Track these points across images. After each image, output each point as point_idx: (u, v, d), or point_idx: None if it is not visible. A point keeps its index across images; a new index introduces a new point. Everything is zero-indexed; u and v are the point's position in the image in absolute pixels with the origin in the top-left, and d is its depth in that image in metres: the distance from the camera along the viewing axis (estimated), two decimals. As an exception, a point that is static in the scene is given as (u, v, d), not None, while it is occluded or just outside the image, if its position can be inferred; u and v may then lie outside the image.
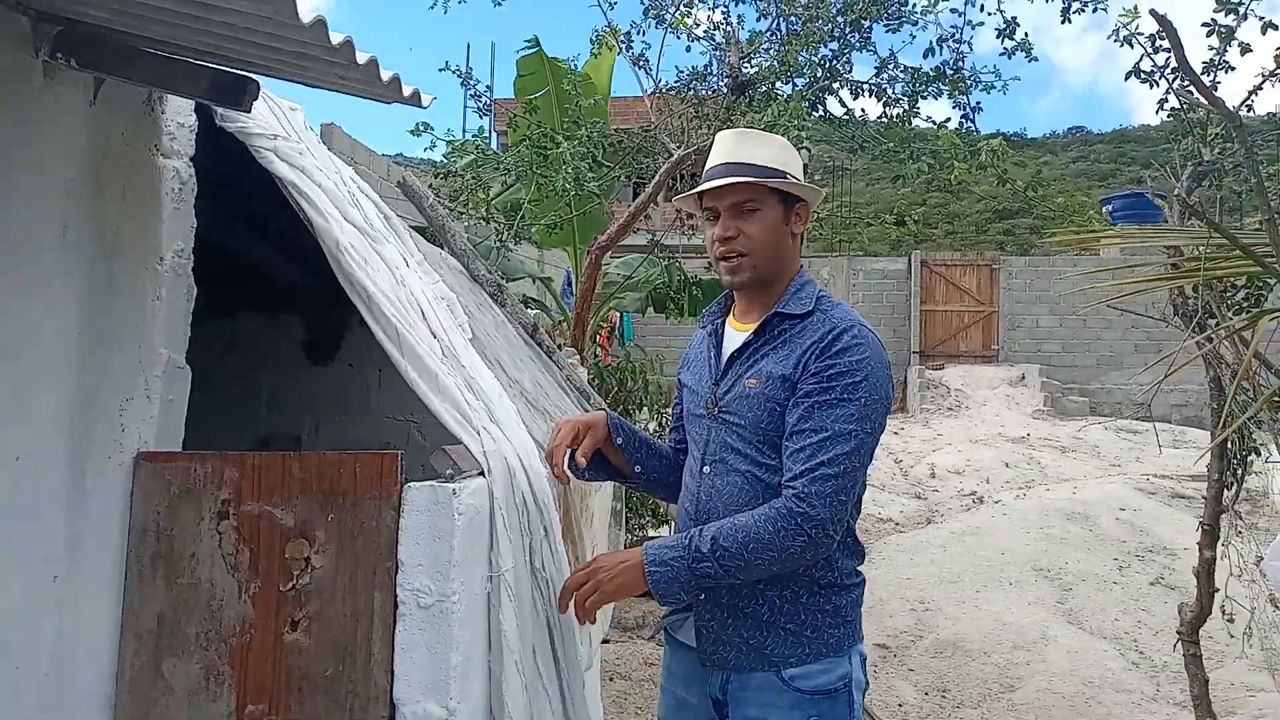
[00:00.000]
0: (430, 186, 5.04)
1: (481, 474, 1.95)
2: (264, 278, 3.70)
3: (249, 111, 1.87)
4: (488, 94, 6.42)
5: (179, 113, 2.05)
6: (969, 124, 5.03)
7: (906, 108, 5.21)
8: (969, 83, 5.06)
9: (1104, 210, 16.38)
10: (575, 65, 6.19)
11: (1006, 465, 11.36)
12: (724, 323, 2.10)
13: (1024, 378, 16.64)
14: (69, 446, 1.89)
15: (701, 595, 1.90)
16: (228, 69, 1.81)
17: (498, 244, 5.60)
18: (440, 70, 5.99)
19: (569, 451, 2.02)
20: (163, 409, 1.96)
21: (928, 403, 16.17)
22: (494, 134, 12.26)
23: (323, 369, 3.94)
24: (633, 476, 2.18)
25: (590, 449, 2.03)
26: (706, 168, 2.03)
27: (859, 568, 1.96)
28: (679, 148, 5.26)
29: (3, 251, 1.76)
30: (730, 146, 2.00)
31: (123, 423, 1.93)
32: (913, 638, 6.06)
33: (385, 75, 1.66)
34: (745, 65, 5.50)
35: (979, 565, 7.19)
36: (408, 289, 2.26)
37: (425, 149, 6.24)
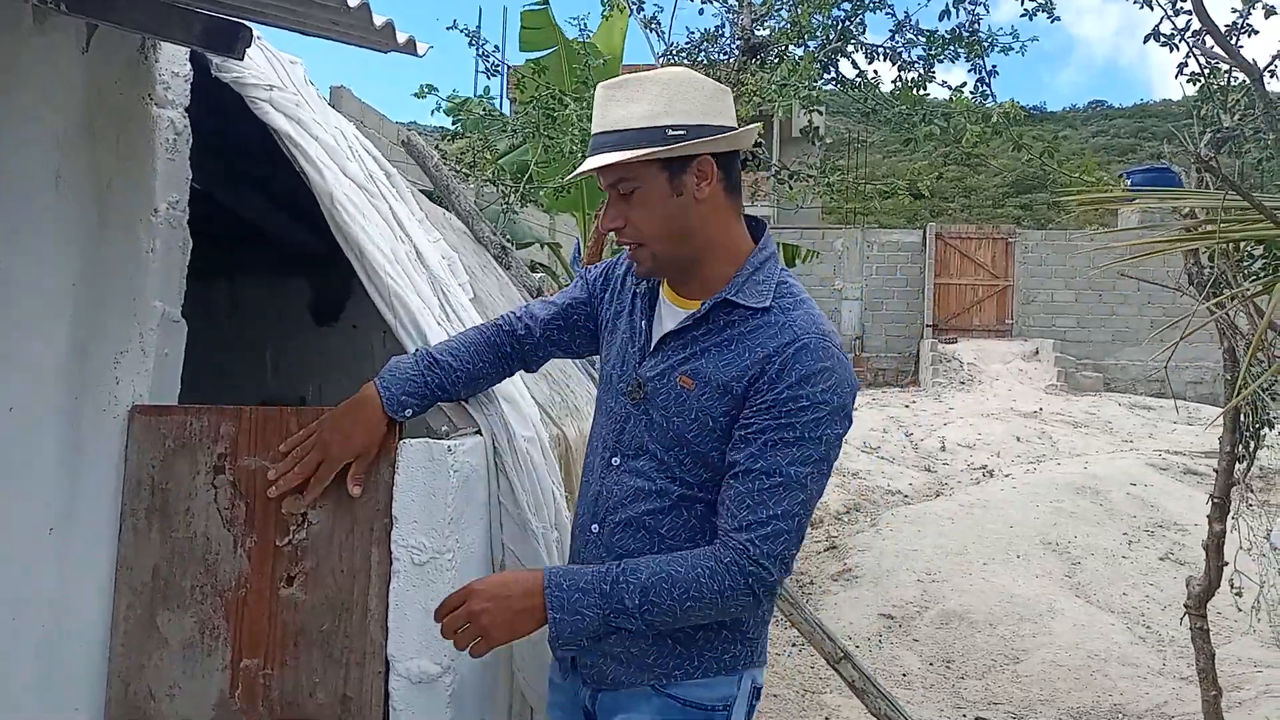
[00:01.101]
0: (437, 149, 5.00)
1: (478, 432, 1.92)
2: (269, 240, 3.67)
3: (242, 59, 1.84)
4: (496, 53, 6.36)
5: (173, 62, 2.02)
6: (985, 88, 4.93)
7: (922, 72, 5.12)
8: (986, 45, 4.96)
9: (1124, 183, 16.23)
10: (585, 25, 6.12)
11: (1018, 439, 11.32)
12: (659, 286, 1.74)
13: (1038, 352, 16.55)
14: (63, 399, 1.87)
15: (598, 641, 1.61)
16: (221, 15, 1.77)
17: (504, 206, 5.56)
18: (448, 29, 5.93)
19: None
20: (158, 363, 1.95)
21: (940, 376, 16.10)
22: (505, 99, 12.17)
23: (327, 331, 3.92)
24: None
25: (362, 471, 1.74)
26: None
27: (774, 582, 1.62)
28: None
29: (-4, 200, 1.74)
30: (598, 113, 1.61)
31: (117, 375, 1.91)
32: (918, 608, 6.06)
33: (378, 20, 1.62)
34: (757, 27, 5.42)
35: (987, 538, 7.17)
36: (410, 244, 2.23)
37: (431, 111, 6.19)
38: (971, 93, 4.98)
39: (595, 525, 1.70)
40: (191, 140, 2.07)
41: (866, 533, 7.64)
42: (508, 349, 1.90)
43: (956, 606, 5.99)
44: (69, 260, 1.88)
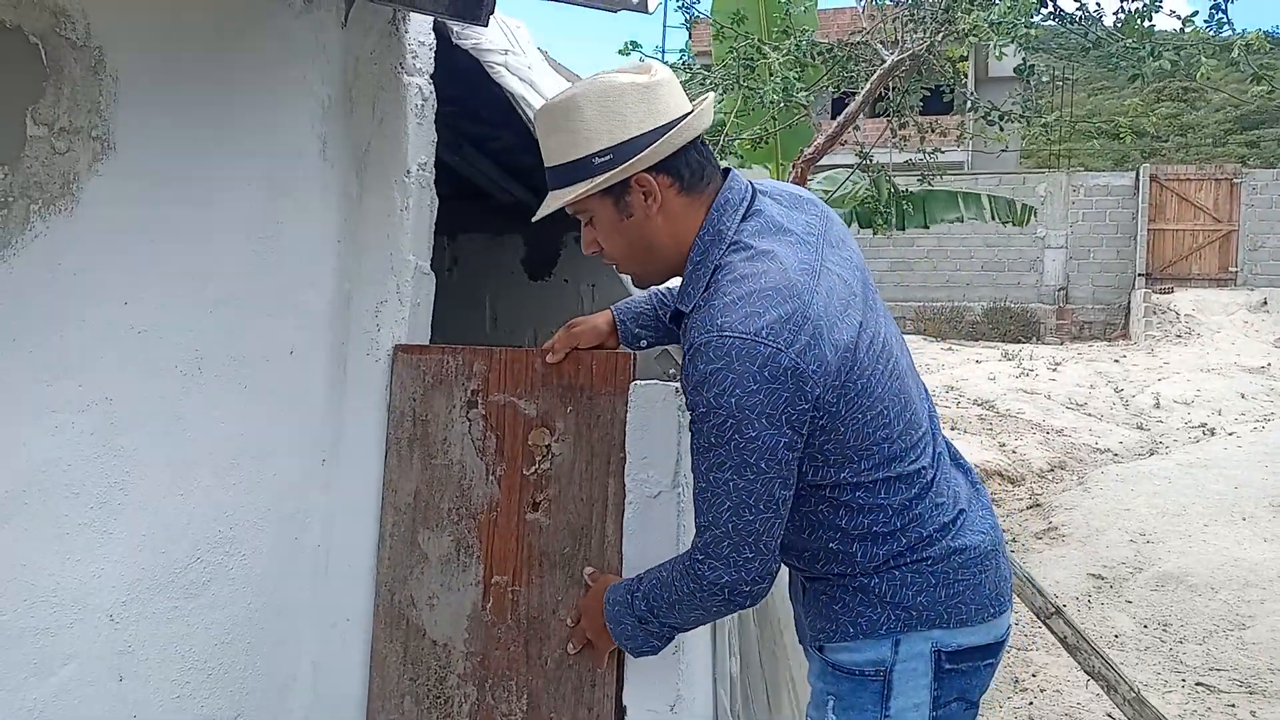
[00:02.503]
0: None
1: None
2: (487, 197, 3.89)
3: (486, 25, 1.97)
4: (693, 5, 6.38)
5: (420, 32, 2.18)
6: (1221, 14, 4.54)
7: (1148, 1, 4.77)
8: (1223, -33, 4.57)
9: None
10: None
11: (1242, 396, 10.51)
12: None
13: (1265, 303, 15.21)
14: (332, 343, 2.09)
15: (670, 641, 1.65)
16: (466, -16, 1.90)
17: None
18: (645, -14, 5.99)
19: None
20: (412, 311, 2.14)
21: (1153, 329, 15.09)
22: (693, 54, 12.17)
23: (540, 285, 4.12)
24: None
25: (562, 345, 1.90)
26: None
27: (916, 546, 1.53)
28: (892, 54, 5.06)
29: (274, 165, 1.95)
30: (540, 141, 1.56)
31: (378, 322, 2.11)
32: (1131, 569, 5.80)
33: (614, -19, 1.70)
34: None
35: (1208, 498, 6.75)
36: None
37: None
38: (1206, 21, 4.60)
39: None
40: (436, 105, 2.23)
41: (1073, 491, 7.33)
42: None
43: (1174, 568, 5.69)
44: (334, 218, 2.09)
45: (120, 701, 1.72)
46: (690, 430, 1.47)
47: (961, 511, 1.58)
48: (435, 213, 2.24)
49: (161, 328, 1.75)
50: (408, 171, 2.13)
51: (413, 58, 2.16)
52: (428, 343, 2.17)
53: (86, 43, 1.56)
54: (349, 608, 2.09)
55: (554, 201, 1.52)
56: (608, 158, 1.45)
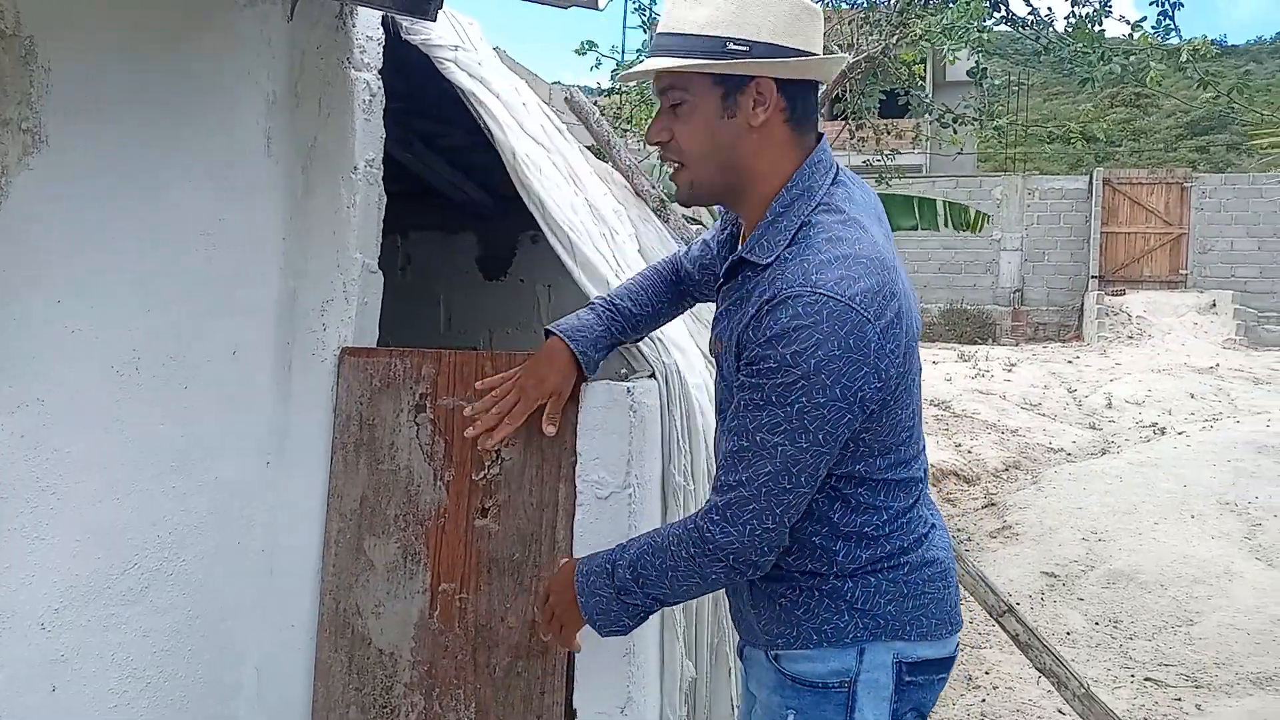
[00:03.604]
0: (595, 105, 5.07)
1: (653, 375, 1.99)
2: (440, 195, 3.84)
3: (434, 21, 1.93)
4: (651, 6, 6.37)
5: (367, 26, 2.14)
6: (1169, 21, 4.62)
7: (1099, 6, 4.83)
8: (1168, -23, 4.65)
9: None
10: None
11: (1192, 396, 10.71)
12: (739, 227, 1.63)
13: (1214, 305, 15.54)
14: (276, 343, 2.04)
15: (645, 620, 1.56)
16: (414, -22, 1.87)
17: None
18: (603, -12, 5.98)
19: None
20: (359, 311, 2.09)
21: (1106, 330, 15.35)
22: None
23: (495, 284, 4.08)
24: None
25: (557, 410, 1.78)
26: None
27: (895, 554, 1.49)
28: (848, 56, 5.08)
29: (218, 160, 1.91)
30: (666, 7, 1.44)
31: (324, 322, 2.07)
32: (1083, 567, 5.87)
33: (564, -23, 1.68)
34: (923, -34, 5.24)
35: (1158, 497, 6.86)
36: (584, 196, 2.31)
37: (592, 68, 6.23)
38: (1153, 28, 4.68)
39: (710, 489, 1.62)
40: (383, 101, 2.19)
41: (1027, 490, 7.42)
42: (681, 286, 1.88)
43: (1125, 566, 5.77)
44: (279, 214, 2.04)
45: (53, 712, 1.67)
46: (744, 384, 1.38)
47: (933, 527, 1.57)
48: (384, 210, 2.20)
49: (97, 326, 1.70)
50: (355, 168, 2.10)
51: (360, 52, 2.12)
52: (375, 343, 2.13)
53: (16, 32, 1.51)
54: (294, 614, 2.04)
55: (658, 63, 1.40)
56: (744, 48, 1.37)
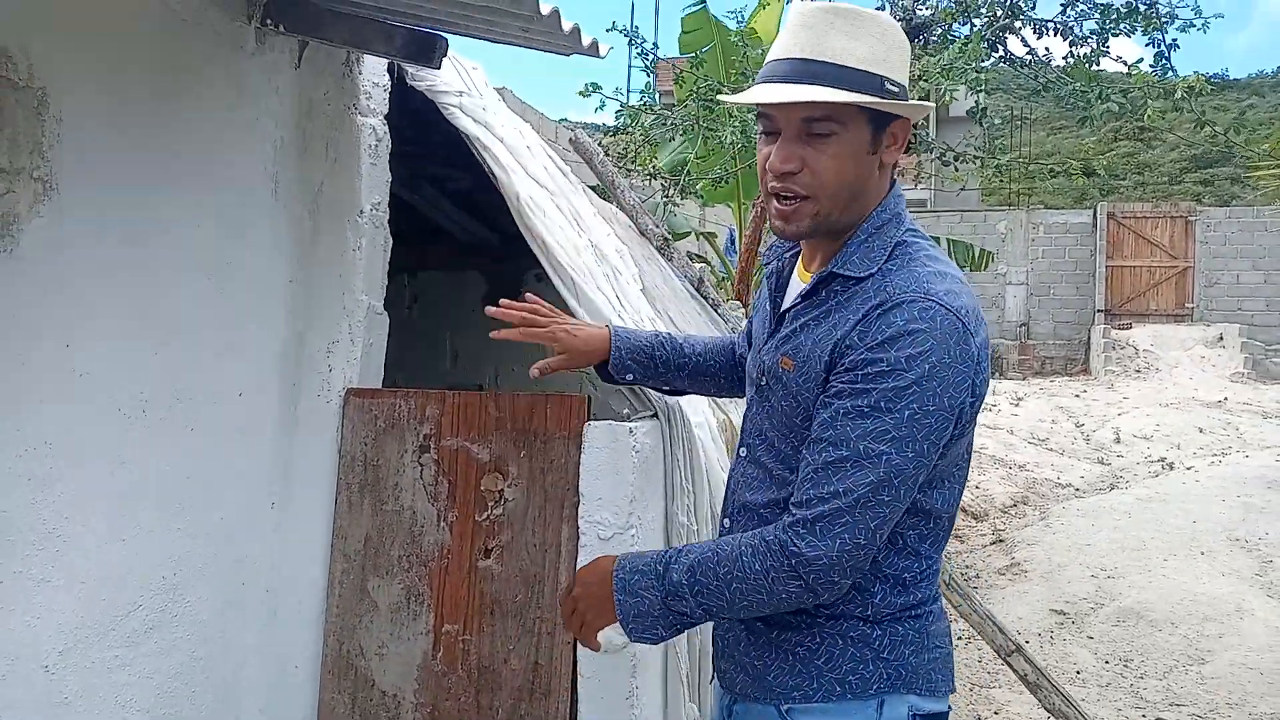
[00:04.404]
0: (600, 145, 5.14)
1: (655, 415, 2.01)
2: (447, 235, 3.88)
3: (439, 68, 1.97)
4: (654, 51, 6.45)
5: (374, 73, 2.18)
6: (1165, 62, 4.67)
7: (1096, 45, 4.88)
8: (1164, 19, 4.69)
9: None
10: (742, 18, 6.14)
11: (1200, 431, 10.66)
12: (794, 263, 1.59)
13: (1221, 338, 15.49)
14: (282, 384, 2.06)
15: (681, 632, 1.47)
16: (420, 28, 1.91)
17: (664, 200, 5.64)
18: (608, 30, 6.06)
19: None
20: (364, 352, 2.11)
21: (1113, 364, 15.31)
22: (656, 93, 12.31)
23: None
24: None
25: (557, 368, 1.78)
26: (770, 58, 1.46)
27: (921, 603, 1.46)
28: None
29: (226, 205, 1.94)
30: (807, 35, 1.40)
31: (330, 363, 2.08)
32: (1092, 605, 5.82)
33: (566, 26, 1.71)
34: (920, 6, 5.31)
35: (1167, 533, 6.81)
36: (587, 237, 2.33)
37: (596, 109, 6.29)
38: (1150, 68, 4.73)
39: (726, 520, 1.59)
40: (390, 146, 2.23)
41: (1035, 526, 7.37)
42: (733, 359, 1.83)
43: (1134, 604, 5.72)
44: (285, 257, 2.07)
45: (56, 756, 1.66)
46: (845, 392, 1.33)
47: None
48: (389, 253, 2.23)
49: (105, 369, 1.72)
50: (361, 211, 2.12)
51: (366, 99, 2.15)
52: (381, 384, 2.15)
53: (29, 84, 1.54)
54: (297, 655, 2.04)
55: (823, 93, 1.36)
56: (896, 90, 1.40)
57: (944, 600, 1.71)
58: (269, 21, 1.98)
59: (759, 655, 1.46)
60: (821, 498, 1.32)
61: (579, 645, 1.78)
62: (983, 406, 1.49)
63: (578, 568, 1.83)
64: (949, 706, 1.52)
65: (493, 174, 2.18)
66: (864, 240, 1.43)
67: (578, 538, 1.84)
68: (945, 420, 1.31)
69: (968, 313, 1.34)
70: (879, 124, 1.41)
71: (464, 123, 2.18)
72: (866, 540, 1.32)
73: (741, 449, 1.56)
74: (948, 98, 4.66)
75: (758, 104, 1.42)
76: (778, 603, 1.37)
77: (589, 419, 1.87)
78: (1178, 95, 4.39)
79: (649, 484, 1.92)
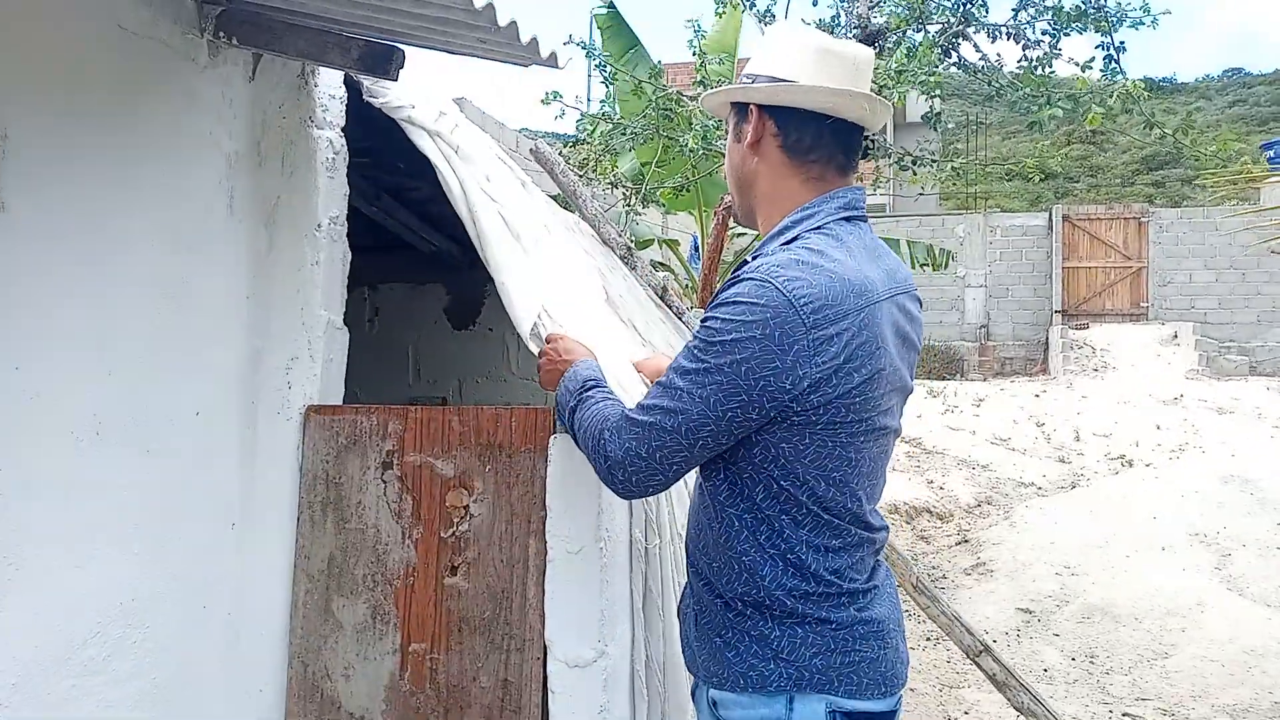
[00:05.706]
0: (560, 154, 5.12)
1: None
2: (407, 247, 3.85)
3: (396, 80, 1.95)
4: (610, 60, 6.43)
5: (330, 86, 2.15)
6: (1115, 65, 4.74)
7: (1048, 48, 4.95)
8: (1114, 20, 4.77)
9: (1264, 155, 15.31)
10: (699, 26, 6.14)
11: (1158, 428, 10.83)
12: None
13: (1176, 336, 15.78)
14: (241, 403, 2.02)
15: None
16: (376, 39, 1.88)
17: (626, 208, 5.63)
18: (565, 44, 6.04)
19: None
20: (324, 368, 2.08)
21: (1071, 364, 15.52)
22: (616, 104, 12.32)
23: (464, 334, 4.08)
24: None
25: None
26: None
27: (827, 601, 1.47)
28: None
29: (180, 220, 1.90)
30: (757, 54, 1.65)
31: (289, 380, 2.05)
32: (1058, 603, 5.89)
33: (524, 37, 1.70)
34: (874, 14, 5.35)
35: (1128, 530, 6.91)
36: (541, 251, 2.31)
37: (556, 117, 6.27)
38: (1101, 71, 4.79)
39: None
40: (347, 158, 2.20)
41: (1000, 526, 7.45)
42: None
43: (1099, 600, 5.80)
44: (242, 273, 2.04)
45: (11, 791, 1.61)
46: (690, 347, 1.44)
47: (876, 587, 1.54)
48: (348, 266, 2.20)
49: (57, 392, 1.68)
50: (319, 225, 2.09)
51: (323, 111, 2.13)
52: (341, 400, 2.11)
53: (-28, 100, 1.50)
54: (262, 679, 2.00)
55: (720, 93, 1.64)
56: (750, 80, 1.57)
57: (912, 601, 1.67)
58: (221, 34, 1.95)
59: (697, 639, 1.54)
60: (638, 406, 1.46)
61: (549, 662, 1.77)
62: (891, 408, 1.54)
63: (546, 580, 1.82)
64: (896, 703, 1.53)
65: (447, 185, 2.16)
66: (772, 235, 1.53)
67: (545, 552, 1.82)
68: (748, 392, 1.37)
69: (809, 303, 1.37)
70: (740, 114, 1.58)
71: (417, 135, 2.16)
72: (648, 455, 1.43)
73: (700, 476, 1.60)
74: (899, 101, 4.69)
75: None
76: (594, 469, 1.52)
77: (554, 432, 1.85)
78: (1114, 99, 4.45)
79: (616, 497, 1.91)
